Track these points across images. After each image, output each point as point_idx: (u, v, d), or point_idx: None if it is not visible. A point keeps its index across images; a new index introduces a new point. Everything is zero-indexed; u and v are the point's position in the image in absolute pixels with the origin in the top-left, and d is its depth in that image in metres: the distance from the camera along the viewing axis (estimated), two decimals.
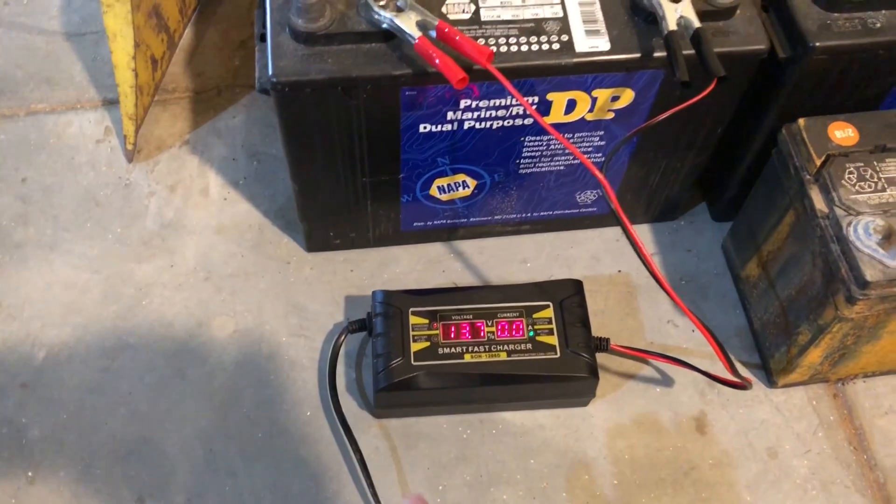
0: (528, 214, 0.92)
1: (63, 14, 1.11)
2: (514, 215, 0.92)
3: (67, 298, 0.89)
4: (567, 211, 0.92)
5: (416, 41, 0.66)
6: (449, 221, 0.91)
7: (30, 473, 0.80)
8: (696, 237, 0.96)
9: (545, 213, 0.92)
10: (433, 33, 0.68)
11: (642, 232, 0.96)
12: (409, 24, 0.67)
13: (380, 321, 0.80)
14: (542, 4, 0.72)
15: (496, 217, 0.91)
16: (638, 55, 0.71)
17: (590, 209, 0.92)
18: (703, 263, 0.94)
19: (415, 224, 0.91)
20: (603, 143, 0.81)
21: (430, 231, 0.92)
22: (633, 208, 0.93)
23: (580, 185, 0.88)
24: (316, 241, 0.91)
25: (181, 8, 1.04)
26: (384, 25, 0.68)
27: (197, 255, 0.93)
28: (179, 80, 1.06)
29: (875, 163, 0.74)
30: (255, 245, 0.94)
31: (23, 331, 0.87)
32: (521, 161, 0.83)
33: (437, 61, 0.66)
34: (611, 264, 0.94)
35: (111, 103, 1.03)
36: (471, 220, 0.91)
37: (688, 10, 0.69)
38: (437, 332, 0.79)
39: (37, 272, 0.91)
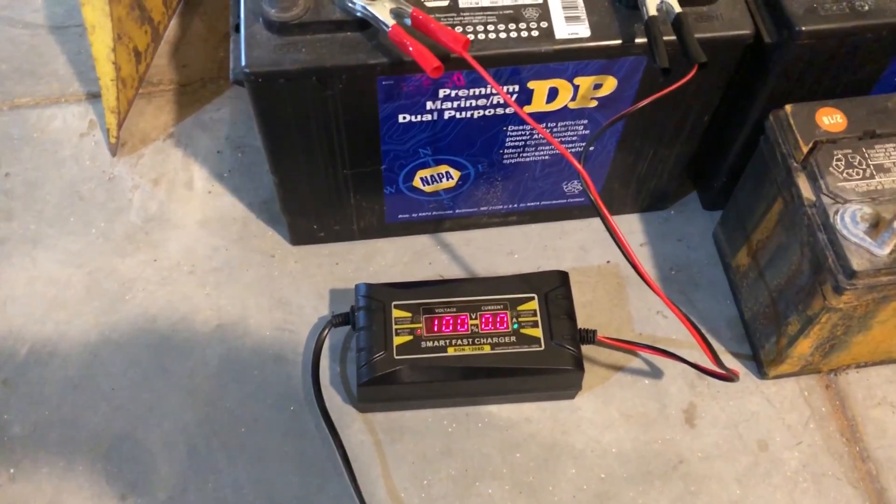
0: (515, 205, 0.90)
1: (47, 7, 1.10)
2: (501, 206, 0.90)
3: (50, 294, 0.89)
4: (554, 201, 0.91)
5: (390, 29, 0.65)
6: (434, 213, 0.90)
7: (11, 470, 0.79)
8: (686, 226, 0.95)
9: (532, 204, 0.91)
10: (408, 21, 0.66)
11: (632, 221, 0.95)
12: (383, 12, 0.66)
13: (362, 315, 0.79)
14: None
15: (482, 208, 0.90)
16: (619, 42, 0.70)
17: (577, 199, 0.91)
18: (693, 253, 0.93)
19: (400, 216, 0.90)
20: (587, 131, 0.80)
21: (415, 223, 0.91)
22: (621, 198, 0.92)
23: (566, 175, 0.87)
24: (300, 233, 0.90)
25: None
26: (358, 14, 0.67)
27: (181, 249, 0.92)
28: (164, 72, 1.05)
29: (863, 149, 0.72)
30: (239, 238, 0.93)
31: (5, 326, 0.86)
32: (505, 151, 0.81)
33: (410, 49, 0.64)
34: (599, 255, 0.92)
35: (95, 97, 1.03)
36: (456, 211, 0.90)
37: None
38: (419, 325, 0.78)
39: (20, 267, 0.90)
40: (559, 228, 0.94)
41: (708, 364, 0.81)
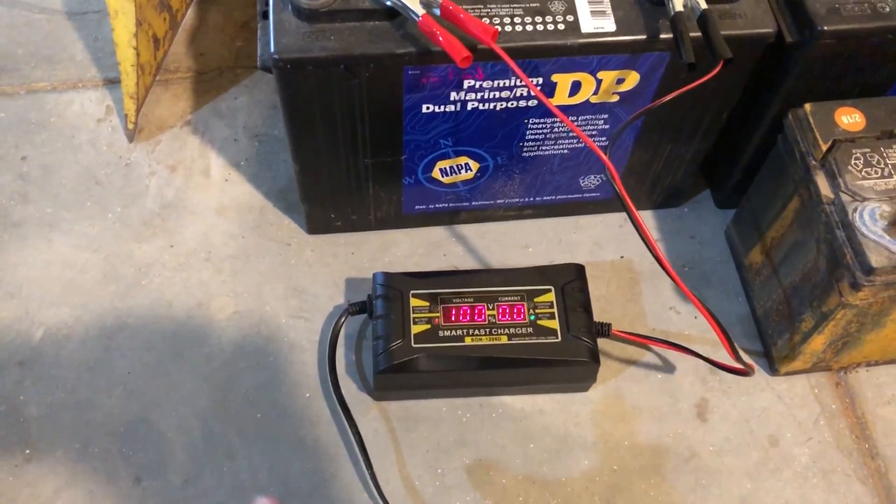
0: (531, 199, 0.91)
1: None
2: (517, 199, 0.91)
3: (66, 277, 0.89)
4: (570, 196, 0.91)
5: (420, 19, 0.66)
6: (451, 205, 0.90)
7: (27, 451, 0.79)
8: (699, 224, 0.96)
9: (548, 198, 0.91)
10: (437, 11, 0.67)
11: (645, 218, 0.95)
12: (412, 1, 0.66)
13: (380, 303, 0.80)
14: None
15: (498, 201, 0.91)
16: (644, 37, 0.70)
17: (593, 194, 0.92)
18: (706, 250, 0.94)
19: (416, 207, 0.90)
20: (607, 126, 0.80)
21: (431, 214, 0.92)
22: (636, 194, 0.92)
23: (583, 170, 0.87)
24: (317, 222, 0.91)
25: None
26: (388, 3, 0.68)
27: (197, 235, 0.92)
28: (181, 60, 1.05)
29: (882, 149, 0.73)
30: (255, 226, 0.93)
31: (21, 309, 0.87)
32: (525, 144, 0.82)
33: (440, 39, 0.65)
34: (613, 250, 0.93)
35: (113, 83, 1.03)
36: (473, 203, 0.91)
37: None
38: (437, 314, 0.79)
39: (36, 251, 0.90)
40: (574, 223, 0.95)
41: (720, 359, 0.82)
